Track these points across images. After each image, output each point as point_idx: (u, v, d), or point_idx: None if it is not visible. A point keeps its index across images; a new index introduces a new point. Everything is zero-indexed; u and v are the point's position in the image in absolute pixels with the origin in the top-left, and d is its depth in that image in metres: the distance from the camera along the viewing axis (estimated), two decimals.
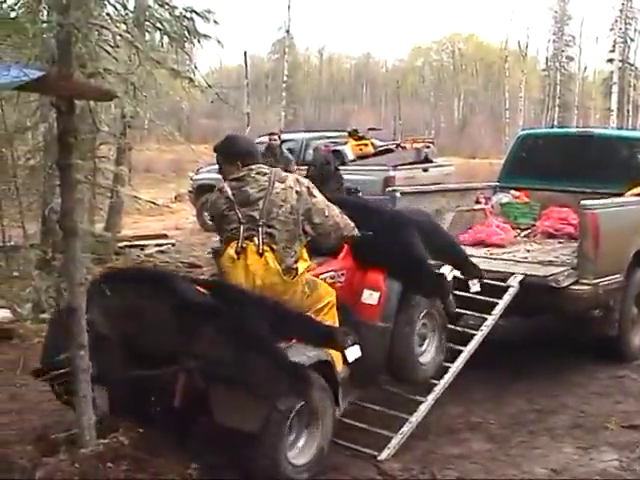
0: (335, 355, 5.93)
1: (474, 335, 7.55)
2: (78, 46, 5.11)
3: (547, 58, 76.07)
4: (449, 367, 7.21)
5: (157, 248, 16.05)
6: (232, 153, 6.12)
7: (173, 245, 16.73)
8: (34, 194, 10.42)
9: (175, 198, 24.95)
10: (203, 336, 5.39)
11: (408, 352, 6.78)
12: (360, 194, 13.24)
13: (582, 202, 8.30)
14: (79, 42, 5.08)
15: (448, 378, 7.13)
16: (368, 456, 6.39)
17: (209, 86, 5.57)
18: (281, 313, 5.65)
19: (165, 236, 17.68)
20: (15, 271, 10.86)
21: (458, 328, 7.55)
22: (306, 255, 6.12)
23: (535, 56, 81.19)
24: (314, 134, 21.23)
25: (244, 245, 5.78)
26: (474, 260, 7.76)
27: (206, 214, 6.52)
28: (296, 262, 5.90)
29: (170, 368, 5.41)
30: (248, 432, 5.34)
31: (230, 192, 5.95)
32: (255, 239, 5.77)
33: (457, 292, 7.51)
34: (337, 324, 6.13)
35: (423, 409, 6.85)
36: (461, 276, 7.29)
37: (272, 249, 5.77)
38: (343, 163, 16.84)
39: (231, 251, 5.84)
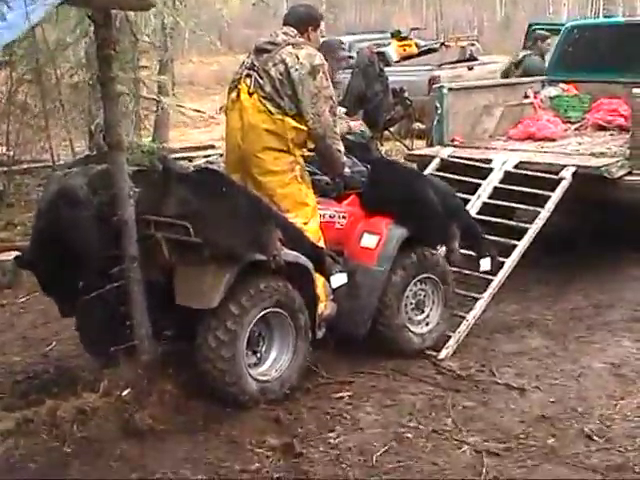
0: (321, 291, 5.86)
1: (527, 229, 7.48)
2: None
3: None
4: (504, 262, 7.14)
5: (205, 159, 16.02)
6: (284, 16, 6.21)
7: (221, 155, 16.63)
8: (80, 111, 10.46)
9: (220, 109, 24.67)
10: (175, 202, 5.30)
11: (398, 301, 6.39)
12: (406, 94, 13.01)
13: (634, 90, 8.11)
14: None
15: (504, 274, 7.08)
16: (427, 355, 6.42)
17: None
18: (273, 214, 5.56)
19: (212, 147, 17.59)
20: None
21: (512, 223, 7.43)
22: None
23: None
24: (356, 37, 20.95)
25: (239, 86, 5.90)
26: (526, 155, 7.62)
27: None
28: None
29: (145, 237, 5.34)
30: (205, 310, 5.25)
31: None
32: (248, 80, 5.85)
33: (512, 186, 7.47)
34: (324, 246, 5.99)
35: (479, 306, 6.86)
36: (473, 253, 6.99)
37: (259, 94, 5.81)
38: (387, 64, 16.62)
39: (233, 94, 5.97)
